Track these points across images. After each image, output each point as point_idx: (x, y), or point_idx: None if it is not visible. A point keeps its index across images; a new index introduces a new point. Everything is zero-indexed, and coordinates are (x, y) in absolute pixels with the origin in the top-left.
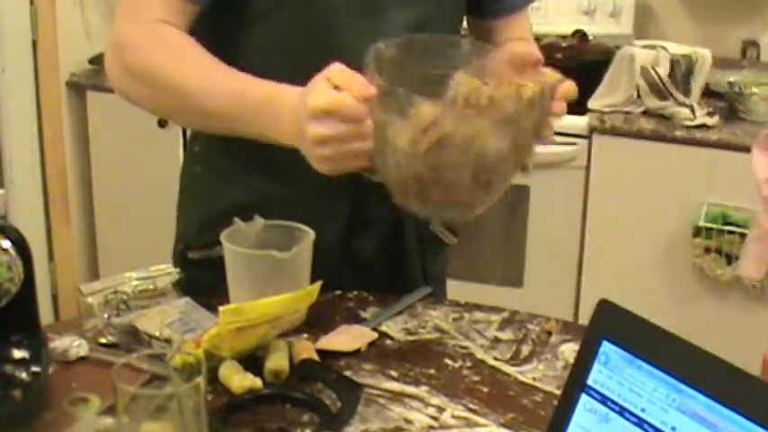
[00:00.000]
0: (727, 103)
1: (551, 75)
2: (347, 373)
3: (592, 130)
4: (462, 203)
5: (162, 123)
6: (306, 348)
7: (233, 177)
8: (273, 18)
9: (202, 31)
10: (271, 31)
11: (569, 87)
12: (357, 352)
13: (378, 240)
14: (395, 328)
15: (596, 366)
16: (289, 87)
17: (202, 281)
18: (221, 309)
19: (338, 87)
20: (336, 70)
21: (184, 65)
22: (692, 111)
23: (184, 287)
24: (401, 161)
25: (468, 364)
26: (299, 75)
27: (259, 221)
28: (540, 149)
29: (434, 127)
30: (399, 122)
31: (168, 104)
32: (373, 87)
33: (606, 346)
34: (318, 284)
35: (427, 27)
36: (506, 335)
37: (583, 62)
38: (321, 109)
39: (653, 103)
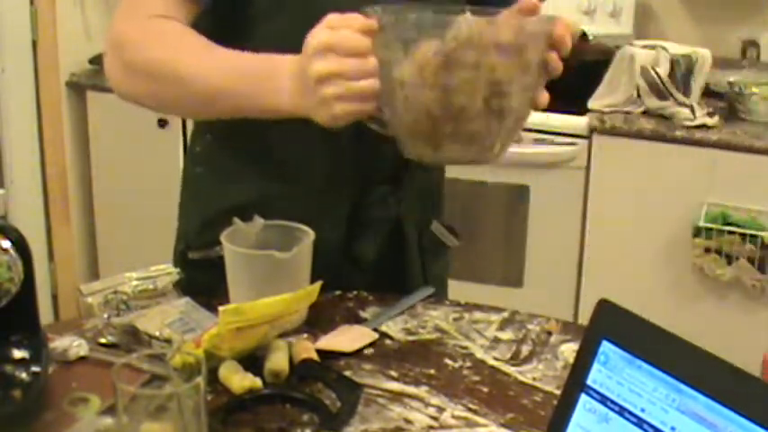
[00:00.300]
0: (727, 103)
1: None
2: (347, 373)
3: (592, 130)
4: (477, 138)
5: (162, 123)
6: (306, 348)
7: (233, 178)
8: (274, 20)
9: (202, 32)
10: (271, 32)
11: (570, 21)
12: (357, 352)
13: (378, 241)
14: (395, 328)
15: (596, 366)
16: (287, 55)
17: (203, 281)
18: (221, 309)
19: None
20: (333, 15)
21: (182, 53)
22: (692, 111)
23: (184, 287)
24: (409, 95)
25: (468, 364)
26: None
27: (259, 221)
28: (540, 150)
29: (441, 51)
30: (405, 56)
31: (171, 95)
32: (374, 21)
33: (606, 346)
34: (318, 284)
35: None
36: (506, 335)
37: (583, 62)
38: (322, 44)
39: (653, 103)
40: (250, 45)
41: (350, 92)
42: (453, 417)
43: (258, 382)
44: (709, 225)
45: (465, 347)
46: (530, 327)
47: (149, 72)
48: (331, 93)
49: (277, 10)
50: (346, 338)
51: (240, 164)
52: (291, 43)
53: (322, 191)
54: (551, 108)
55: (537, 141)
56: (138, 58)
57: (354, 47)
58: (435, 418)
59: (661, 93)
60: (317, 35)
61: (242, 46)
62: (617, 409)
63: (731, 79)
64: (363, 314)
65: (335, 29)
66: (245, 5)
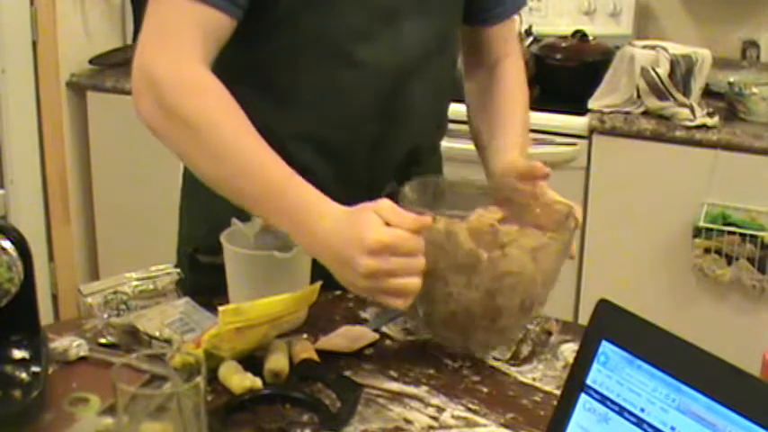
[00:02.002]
0: (727, 103)
1: (559, 200)
2: (347, 373)
3: (592, 130)
4: (506, 331)
5: None
6: (306, 348)
7: None
8: (288, 29)
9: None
10: (285, 43)
11: (578, 208)
12: (357, 352)
13: None
14: (395, 328)
15: (596, 366)
16: (328, 202)
17: (207, 283)
18: (221, 309)
19: (389, 223)
20: (387, 207)
21: (229, 134)
22: (692, 111)
23: (190, 289)
24: (453, 292)
25: (468, 364)
26: (322, 81)
27: (257, 222)
28: (540, 150)
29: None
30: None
31: (200, 163)
32: (427, 218)
33: (605, 346)
34: (318, 285)
35: (441, 35)
36: None
37: (583, 62)
38: (380, 243)
39: (653, 103)
40: (268, 49)
41: (392, 288)
42: (453, 417)
43: (258, 382)
44: (709, 225)
45: (465, 347)
46: (530, 327)
47: (190, 130)
48: (375, 287)
49: (292, 20)
50: (346, 339)
51: None
52: (308, 52)
53: (331, 193)
54: (551, 108)
55: (537, 141)
56: (179, 106)
57: (409, 249)
58: (435, 418)
59: (661, 93)
60: (375, 230)
61: (262, 49)
62: (617, 408)
63: (731, 79)
64: (363, 314)
65: (391, 225)
66: (270, 11)
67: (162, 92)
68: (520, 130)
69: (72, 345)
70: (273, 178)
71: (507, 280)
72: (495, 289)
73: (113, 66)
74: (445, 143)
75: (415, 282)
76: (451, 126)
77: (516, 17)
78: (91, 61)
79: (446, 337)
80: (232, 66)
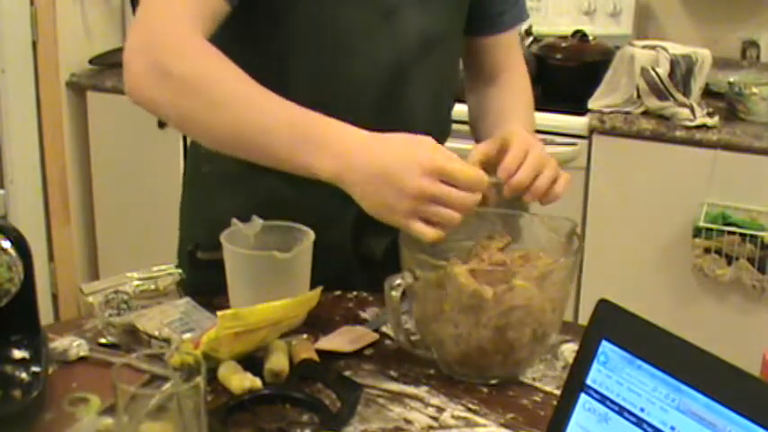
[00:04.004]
0: (727, 103)
1: (562, 218)
2: (347, 373)
3: (592, 130)
4: (522, 362)
5: (162, 124)
6: (306, 348)
7: (243, 178)
8: (285, 21)
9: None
10: (283, 35)
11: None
12: (357, 352)
13: (387, 241)
14: None
15: (596, 366)
16: (350, 127)
17: (209, 281)
18: (219, 314)
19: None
20: (442, 149)
21: (237, 79)
22: (692, 111)
23: (193, 288)
24: (462, 332)
25: None
26: (320, 74)
27: (257, 222)
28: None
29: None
30: (456, 296)
31: (200, 114)
32: (485, 176)
33: (605, 346)
34: (318, 290)
35: (439, 34)
36: None
37: (583, 62)
38: (435, 164)
39: (653, 103)
40: (265, 42)
41: (432, 214)
42: (453, 417)
43: (258, 382)
44: (709, 225)
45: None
46: None
47: (186, 82)
48: (416, 209)
49: (291, 13)
50: (346, 339)
51: (249, 164)
52: (306, 47)
53: (332, 192)
54: (551, 108)
55: None
56: (175, 64)
57: (466, 180)
58: (435, 418)
59: (661, 93)
60: (431, 152)
61: (259, 41)
62: (617, 408)
63: (731, 79)
64: (363, 314)
65: (451, 160)
66: (268, 1)
67: (159, 53)
68: (523, 118)
69: (72, 345)
70: (295, 112)
71: (515, 314)
72: (504, 324)
73: (113, 66)
74: (446, 144)
75: (455, 216)
76: (452, 126)
77: (518, 30)
78: (91, 61)
79: (464, 374)
80: (228, 57)
